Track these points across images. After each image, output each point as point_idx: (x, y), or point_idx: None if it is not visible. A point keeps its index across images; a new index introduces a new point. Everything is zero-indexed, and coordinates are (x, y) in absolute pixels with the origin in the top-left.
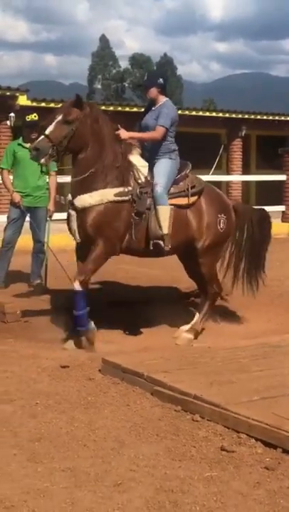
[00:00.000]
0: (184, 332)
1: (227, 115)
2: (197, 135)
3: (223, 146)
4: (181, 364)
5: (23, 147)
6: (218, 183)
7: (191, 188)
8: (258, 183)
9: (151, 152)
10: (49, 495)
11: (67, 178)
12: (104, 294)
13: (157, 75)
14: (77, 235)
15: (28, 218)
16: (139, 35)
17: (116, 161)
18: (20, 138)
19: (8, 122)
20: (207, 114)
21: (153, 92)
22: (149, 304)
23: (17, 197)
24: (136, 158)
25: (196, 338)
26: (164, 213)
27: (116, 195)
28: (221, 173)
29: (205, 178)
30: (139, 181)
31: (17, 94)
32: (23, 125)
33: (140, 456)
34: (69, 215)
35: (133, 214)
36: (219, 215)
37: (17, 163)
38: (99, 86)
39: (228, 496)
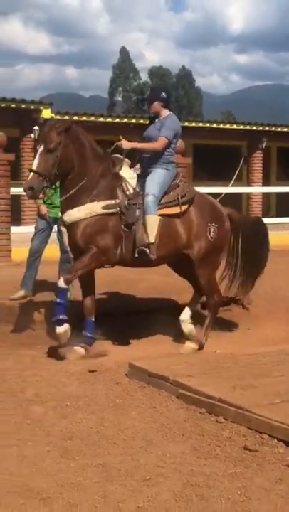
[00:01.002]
0: (189, 342)
1: (248, 127)
2: (218, 147)
3: (243, 158)
4: (204, 369)
5: None
6: (238, 195)
7: (182, 197)
8: (279, 194)
9: (148, 161)
10: (82, 488)
11: None
12: (130, 303)
13: (160, 89)
14: (70, 251)
15: (55, 229)
16: (159, 47)
17: (102, 174)
18: None
19: (32, 135)
20: (228, 126)
21: (156, 106)
22: (172, 312)
23: (43, 209)
24: (124, 170)
25: (200, 349)
26: (152, 222)
27: (104, 207)
28: (242, 185)
29: (225, 189)
30: (128, 193)
31: (41, 107)
32: None
33: (167, 454)
34: (60, 232)
35: (122, 226)
36: (209, 224)
37: None
38: (119, 98)
39: (251, 491)
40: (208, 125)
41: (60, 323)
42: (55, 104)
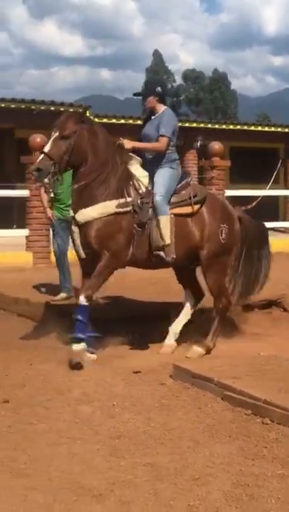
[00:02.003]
0: (196, 346)
1: (286, 130)
2: (255, 150)
3: (281, 161)
4: (249, 371)
5: None
6: (275, 198)
7: (194, 196)
8: None
9: (152, 162)
10: (133, 486)
11: None
12: (176, 304)
13: (156, 83)
14: (81, 250)
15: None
16: (194, 49)
17: (115, 172)
18: None
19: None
20: (266, 129)
21: (151, 101)
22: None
23: (49, 212)
24: (136, 169)
25: (207, 353)
26: (165, 223)
27: (117, 206)
28: (279, 188)
29: (262, 192)
30: (140, 191)
31: (79, 110)
32: None
33: (215, 454)
34: (72, 232)
35: (135, 225)
36: (221, 225)
37: None
38: None
39: None
40: (245, 127)
41: (78, 341)
42: (91, 107)
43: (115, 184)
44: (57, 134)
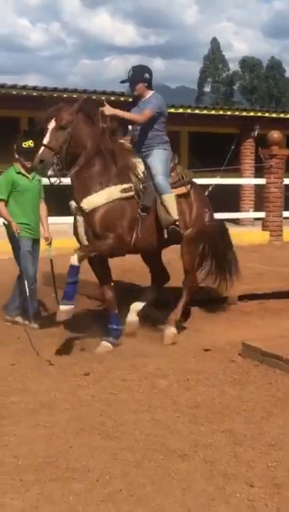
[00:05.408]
0: (166, 329)
1: None
2: None
3: None
4: None
5: (23, 175)
6: None
7: (183, 177)
8: None
9: (144, 143)
10: (214, 448)
11: None
12: (236, 289)
13: (143, 70)
14: (84, 239)
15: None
16: (247, 37)
17: (113, 158)
18: (17, 166)
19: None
20: None
21: (140, 87)
22: (276, 296)
23: (15, 225)
24: (131, 154)
25: (176, 328)
26: (171, 200)
27: (122, 191)
28: None
29: None
30: (139, 176)
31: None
32: (18, 151)
33: (288, 424)
34: (75, 222)
35: (139, 210)
36: (205, 209)
37: (19, 193)
38: (208, 89)
39: None
40: None
41: (108, 342)
42: None
43: (116, 170)
44: (54, 124)
